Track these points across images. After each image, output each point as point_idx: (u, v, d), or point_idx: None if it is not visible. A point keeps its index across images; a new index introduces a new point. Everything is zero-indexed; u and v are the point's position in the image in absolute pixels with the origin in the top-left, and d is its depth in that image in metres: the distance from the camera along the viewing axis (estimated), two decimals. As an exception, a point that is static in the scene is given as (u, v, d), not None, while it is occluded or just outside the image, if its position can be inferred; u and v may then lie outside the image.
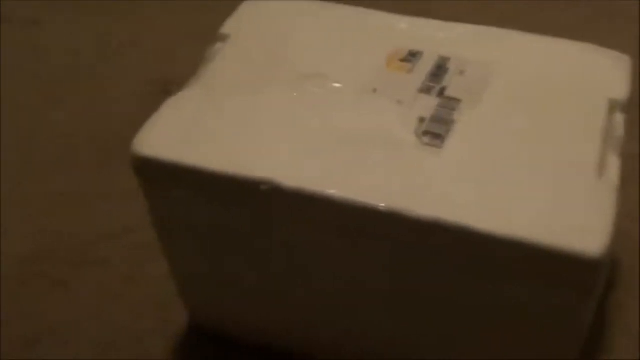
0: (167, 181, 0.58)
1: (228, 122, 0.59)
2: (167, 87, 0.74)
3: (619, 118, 0.58)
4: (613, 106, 0.58)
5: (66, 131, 0.92)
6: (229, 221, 0.58)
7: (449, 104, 0.58)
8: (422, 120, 0.57)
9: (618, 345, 0.68)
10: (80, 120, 0.93)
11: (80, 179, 0.85)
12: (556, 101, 0.59)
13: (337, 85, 0.60)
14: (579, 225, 0.51)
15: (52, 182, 0.85)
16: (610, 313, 0.70)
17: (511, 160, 0.55)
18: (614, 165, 0.55)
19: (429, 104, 0.58)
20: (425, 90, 0.59)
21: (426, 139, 0.56)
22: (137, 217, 0.67)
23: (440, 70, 0.61)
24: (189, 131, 0.58)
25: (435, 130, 0.56)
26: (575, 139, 0.56)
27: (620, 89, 0.59)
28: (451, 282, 0.54)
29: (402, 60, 0.62)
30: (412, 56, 0.62)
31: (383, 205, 0.52)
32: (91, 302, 0.74)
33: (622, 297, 0.71)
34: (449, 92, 0.59)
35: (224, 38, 0.66)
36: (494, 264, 0.52)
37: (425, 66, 0.61)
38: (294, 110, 0.59)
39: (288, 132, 0.57)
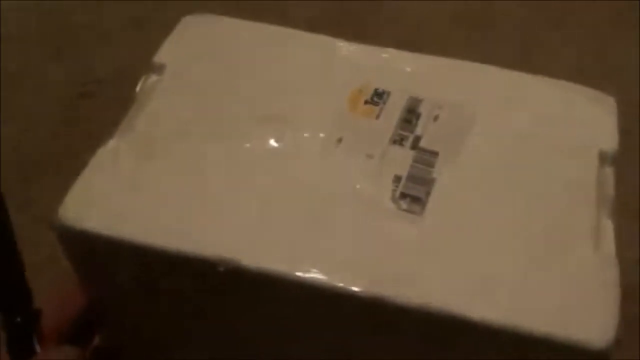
0: (97, 254, 0.49)
1: (170, 182, 0.50)
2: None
3: (609, 172, 0.53)
4: (603, 159, 0.53)
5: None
6: (169, 298, 0.50)
7: (426, 158, 0.52)
8: (397, 179, 0.50)
9: None
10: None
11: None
12: (541, 153, 0.53)
13: (296, 133, 0.53)
14: (582, 312, 0.45)
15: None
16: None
17: (500, 232, 0.48)
18: (608, 230, 0.50)
19: (403, 159, 0.51)
20: (398, 140, 0.52)
21: (404, 204, 0.49)
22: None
23: (411, 114, 0.54)
24: (123, 195, 0.49)
25: (413, 193, 0.50)
26: (567, 200, 0.50)
27: (609, 138, 0.53)
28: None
29: (368, 102, 0.55)
30: (379, 97, 0.55)
31: (361, 290, 0.45)
32: None
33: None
34: (424, 144, 0.52)
35: (159, 69, 0.57)
36: (488, 355, 0.46)
37: (394, 110, 0.54)
38: (248, 167, 0.51)
39: (243, 196, 0.49)
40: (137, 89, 0.56)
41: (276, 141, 0.52)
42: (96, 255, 0.49)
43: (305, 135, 0.53)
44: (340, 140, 0.52)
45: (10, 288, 0.49)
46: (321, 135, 0.52)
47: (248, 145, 0.52)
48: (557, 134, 0.54)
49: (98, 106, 0.82)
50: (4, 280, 0.49)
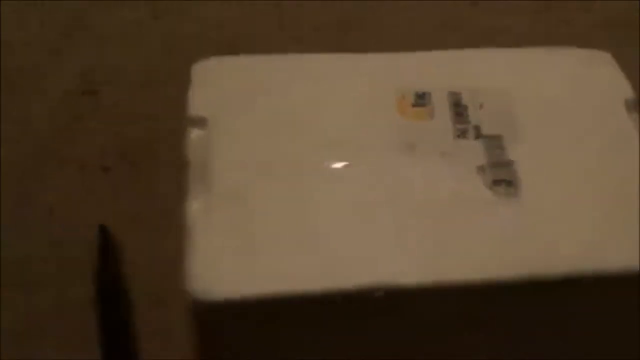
0: (242, 320, 0.48)
1: (279, 224, 0.49)
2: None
3: (636, 117, 0.59)
4: (629, 106, 0.58)
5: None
6: (315, 341, 0.50)
7: (494, 143, 0.55)
8: (481, 169, 0.53)
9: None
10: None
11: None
12: (581, 114, 0.57)
13: (368, 152, 0.54)
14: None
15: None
16: None
17: (583, 191, 0.53)
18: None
19: (475, 149, 0.54)
20: (461, 134, 0.55)
21: (500, 189, 0.52)
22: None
23: (459, 108, 0.57)
24: (244, 252, 0.48)
25: (504, 177, 0.53)
26: (619, 151, 0.56)
27: (625, 88, 0.59)
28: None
29: (415, 105, 0.57)
30: (421, 99, 0.57)
31: (514, 274, 0.48)
32: None
33: None
34: (485, 131, 0.55)
35: (201, 122, 0.55)
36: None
37: (441, 107, 0.57)
38: (343, 192, 0.51)
39: (355, 220, 0.50)
40: (187, 149, 0.54)
41: (354, 163, 0.53)
42: (239, 322, 0.48)
43: (376, 150, 0.54)
44: (410, 146, 0.54)
45: None
46: (389, 146, 0.54)
47: (331, 171, 0.52)
48: (583, 95, 0.59)
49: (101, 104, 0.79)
50: None
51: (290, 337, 0.50)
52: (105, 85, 0.84)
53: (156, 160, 0.77)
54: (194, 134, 0.55)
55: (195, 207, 0.51)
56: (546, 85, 0.59)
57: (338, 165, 0.53)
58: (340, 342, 0.50)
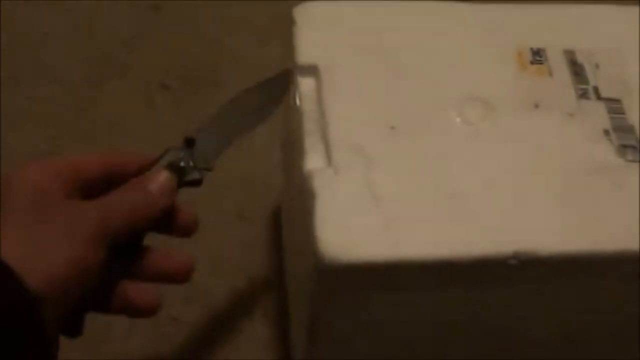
0: (370, 284, 0.46)
1: (409, 186, 0.47)
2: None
3: None
4: None
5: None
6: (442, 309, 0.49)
7: (615, 107, 0.53)
8: (606, 132, 0.51)
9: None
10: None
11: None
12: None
13: (495, 108, 0.51)
14: None
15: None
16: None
17: None
18: None
19: (598, 112, 0.52)
20: (583, 94, 0.53)
21: (629, 156, 0.50)
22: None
23: (576, 67, 0.54)
24: (375, 214, 0.46)
25: (630, 143, 0.51)
26: None
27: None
28: None
29: (533, 62, 0.54)
30: (538, 55, 0.55)
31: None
32: None
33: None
34: (605, 93, 0.53)
35: (311, 70, 0.52)
36: None
37: (559, 65, 0.54)
38: (477, 152, 0.49)
39: (492, 184, 0.48)
40: (296, 98, 0.52)
41: (483, 121, 0.51)
42: (362, 284, 0.46)
43: (506, 108, 0.51)
44: (536, 105, 0.52)
45: None
46: (517, 104, 0.52)
47: (462, 128, 0.50)
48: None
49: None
50: None
51: (409, 301, 0.48)
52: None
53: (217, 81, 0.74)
54: (304, 82, 0.52)
55: (315, 163, 0.48)
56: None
57: (468, 122, 0.50)
58: (459, 307, 0.49)
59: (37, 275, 0.35)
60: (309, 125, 0.50)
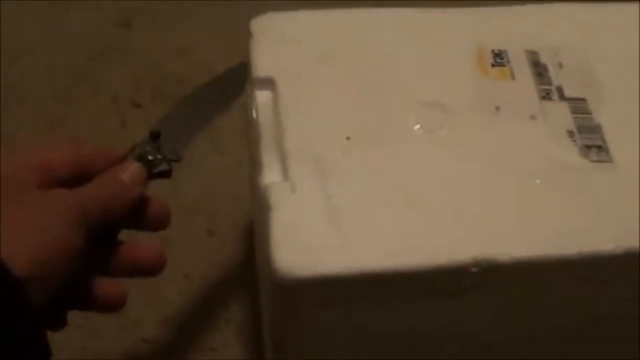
0: (330, 298, 0.45)
1: (365, 199, 0.46)
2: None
3: None
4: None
5: None
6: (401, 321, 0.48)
7: (580, 106, 0.52)
8: (570, 133, 0.50)
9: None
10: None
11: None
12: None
13: (454, 114, 0.50)
14: None
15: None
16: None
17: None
18: None
19: (561, 112, 0.51)
20: (545, 96, 0.52)
21: (594, 155, 0.49)
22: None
23: (539, 67, 0.53)
24: (330, 227, 0.45)
25: (595, 143, 0.50)
26: None
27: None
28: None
29: (494, 65, 0.53)
30: (500, 57, 0.54)
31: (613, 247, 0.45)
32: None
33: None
34: (569, 93, 0.52)
35: (267, 83, 0.51)
36: None
37: (521, 67, 0.53)
38: (435, 159, 0.48)
39: (450, 190, 0.47)
40: (253, 111, 0.51)
41: (442, 128, 0.50)
42: (320, 298, 0.45)
43: (466, 113, 0.50)
44: (497, 108, 0.51)
45: None
46: (477, 107, 0.51)
47: (421, 136, 0.49)
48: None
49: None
50: None
51: (371, 313, 0.47)
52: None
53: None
54: (261, 96, 0.51)
55: (272, 177, 0.47)
56: (622, 42, 0.56)
57: (427, 130, 0.49)
58: (424, 317, 0.48)
59: (20, 259, 0.35)
60: (266, 138, 0.49)
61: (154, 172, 0.46)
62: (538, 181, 0.47)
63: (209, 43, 0.78)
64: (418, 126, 0.50)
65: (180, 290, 0.61)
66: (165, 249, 0.44)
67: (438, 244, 0.44)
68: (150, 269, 0.44)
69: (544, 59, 0.54)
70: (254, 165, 0.50)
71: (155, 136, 0.47)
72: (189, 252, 0.63)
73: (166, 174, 0.46)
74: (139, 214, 0.45)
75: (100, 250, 0.43)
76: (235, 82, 0.52)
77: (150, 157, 0.46)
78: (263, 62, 0.52)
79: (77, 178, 0.42)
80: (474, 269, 0.44)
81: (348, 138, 0.48)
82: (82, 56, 0.77)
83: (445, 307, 0.47)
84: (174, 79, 0.75)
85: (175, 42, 0.78)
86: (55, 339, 0.37)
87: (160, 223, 0.46)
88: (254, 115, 0.51)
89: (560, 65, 0.54)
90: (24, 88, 0.74)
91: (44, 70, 0.76)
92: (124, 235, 0.45)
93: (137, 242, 0.45)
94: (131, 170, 0.44)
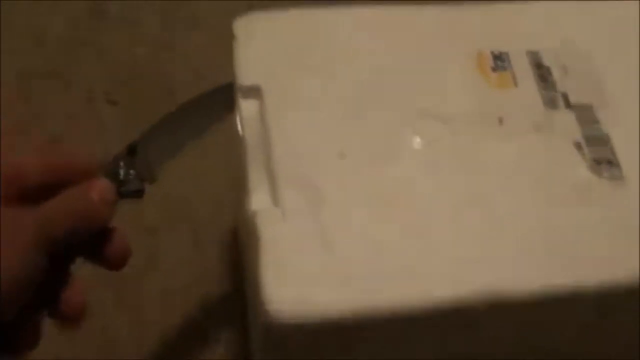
0: (325, 341, 0.42)
1: (363, 225, 0.43)
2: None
3: None
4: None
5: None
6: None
7: (586, 115, 0.49)
8: (578, 145, 0.47)
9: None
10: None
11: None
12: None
13: (455, 126, 0.47)
14: None
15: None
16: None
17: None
18: None
19: (567, 122, 0.48)
20: (550, 103, 0.49)
21: (605, 173, 0.46)
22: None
23: (542, 71, 0.50)
24: (325, 264, 0.41)
25: (604, 156, 0.47)
26: None
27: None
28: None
29: (495, 69, 0.50)
30: (501, 61, 0.50)
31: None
32: None
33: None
34: (575, 99, 0.49)
35: (252, 92, 0.47)
36: None
37: (523, 71, 0.50)
38: (435, 182, 0.45)
39: (452, 216, 0.43)
40: (238, 122, 0.47)
41: (442, 143, 0.46)
42: (319, 341, 0.42)
43: (467, 126, 0.47)
44: (500, 120, 0.48)
45: None
46: (479, 119, 0.47)
47: (418, 153, 0.46)
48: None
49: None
50: None
51: (372, 353, 0.44)
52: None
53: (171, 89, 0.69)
54: (247, 106, 0.47)
55: (261, 203, 0.44)
56: (626, 42, 0.52)
57: (425, 145, 0.46)
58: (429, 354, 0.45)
59: None
60: (253, 158, 0.46)
61: (125, 191, 0.42)
62: (546, 204, 0.44)
63: (189, 37, 0.74)
64: (416, 141, 0.46)
65: (163, 306, 0.58)
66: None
67: (437, 282, 0.41)
68: (114, 262, 0.40)
69: (546, 60, 0.51)
70: (242, 186, 0.46)
71: (131, 150, 0.43)
72: (173, 265, 0.60)
73: (138, 194, 0.42)
74: (100, 242, 0.40)
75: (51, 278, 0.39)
76: (220, 103, 0.48)
77: (122, 173, 0.42)
78: (248, 69, 0.48)
79: (47, 187, 0.39)
80: (479, 303, 0.41)
81: (341, 154, 0.45)
82: (55, 50, 0.73)
83: (456, 341, 0.44)
84: (151, 75, 0.71)
85: (153, 36, 0.74)
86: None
87: (119, 260, 0.40)
88: (240, 130, 0.47)
89: (564, 67, 0.50)
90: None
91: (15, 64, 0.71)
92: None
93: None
94: (102, 187, 0.40)
